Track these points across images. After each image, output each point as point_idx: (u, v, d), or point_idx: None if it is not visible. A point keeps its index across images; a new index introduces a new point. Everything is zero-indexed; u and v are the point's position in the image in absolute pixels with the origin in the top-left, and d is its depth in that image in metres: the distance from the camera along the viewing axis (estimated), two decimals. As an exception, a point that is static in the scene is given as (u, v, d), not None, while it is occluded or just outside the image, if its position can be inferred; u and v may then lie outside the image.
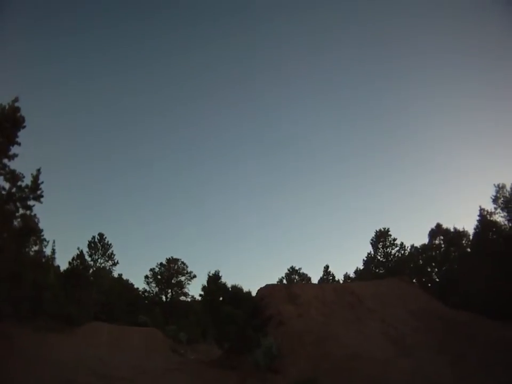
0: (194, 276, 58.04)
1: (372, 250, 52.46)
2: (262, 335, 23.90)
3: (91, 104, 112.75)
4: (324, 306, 28.55)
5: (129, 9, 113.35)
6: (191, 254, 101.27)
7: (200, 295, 35.15)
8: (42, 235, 29.80)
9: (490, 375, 18.39)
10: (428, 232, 47.57)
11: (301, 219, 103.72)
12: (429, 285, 43.47)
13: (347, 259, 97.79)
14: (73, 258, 39.72)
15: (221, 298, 26.82)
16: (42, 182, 25.40)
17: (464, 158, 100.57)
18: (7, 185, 23.97)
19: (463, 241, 44.42)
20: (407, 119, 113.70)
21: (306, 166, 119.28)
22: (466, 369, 19.56)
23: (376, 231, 53.19)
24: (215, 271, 29.13)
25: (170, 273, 57.62)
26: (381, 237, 52.20)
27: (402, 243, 51.53)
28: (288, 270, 60.79)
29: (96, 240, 47.35)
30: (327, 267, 59.47)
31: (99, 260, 46.55)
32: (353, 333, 24.63)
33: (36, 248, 29.72)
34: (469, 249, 41.88)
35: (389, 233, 52.20)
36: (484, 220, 39.02)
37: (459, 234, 44.86)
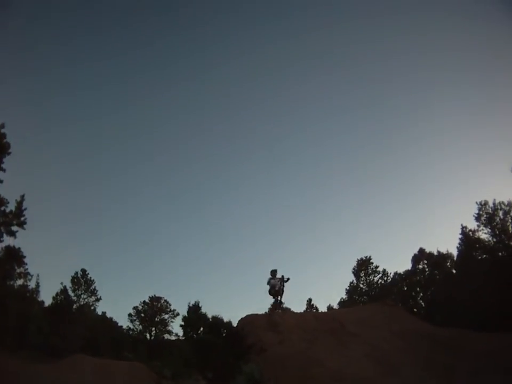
0: (178, 314, 58.78)
1: (354, 279, 52.42)
2: (244, 362, 23.61)
3: (79, 132, 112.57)
4: (305, 333, 28.52)
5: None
6: (175, 292, 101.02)
7: (181, 325, 35.57)
8: (27, 268, 31.34)
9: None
10: (411, 258, 47.83)
11: (282, 253, 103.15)
12: (414, 309, 43.16)
13: (330, 291, 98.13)
14: (57, 294, 42.05)
15: (201, 328, 27.43)
16: (25, 209, 26.38)
17: (443, 180, 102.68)
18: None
19: (448, 263, 44.65)
20: (387, 145, 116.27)
21: (285, 198, 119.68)
22: (454, 381, 19.37)
23: (358, 259, 53.49)
24: (195, 302, 30.04)
25: (153, 311, 58.16)
26: (363, 265, 52.60)
27: (384, 270, 51.84)
28: (271, 304, 60.06)
29: (79, 275, 48.68)
30: (309, 300, 59.04)
31: (82, 295, 48.07)
32: (336, 356, 24.51)
33: (20, 281, 32.22)
34: (454, 270, 42.14)
35: (371, 261, 52.40)
36: (467, 238, 39.50)
37: (443, 257, 45.32)
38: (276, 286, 19.16)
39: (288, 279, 18.78)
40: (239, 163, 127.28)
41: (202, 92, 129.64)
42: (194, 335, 28.13)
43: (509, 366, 18.21)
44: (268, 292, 19.45)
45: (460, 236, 40.36)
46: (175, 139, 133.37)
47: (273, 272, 18.68)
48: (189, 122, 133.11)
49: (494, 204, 38.89)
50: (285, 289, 19.47)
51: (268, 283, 19.80)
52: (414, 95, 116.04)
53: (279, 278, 18.69)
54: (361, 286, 51.48)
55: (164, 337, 57.75)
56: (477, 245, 38.02)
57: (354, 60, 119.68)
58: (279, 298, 18.21)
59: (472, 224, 39.54)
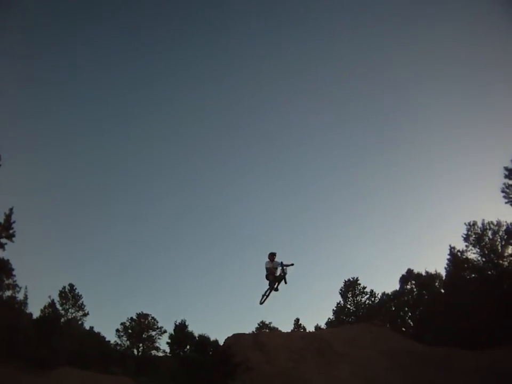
0: (165, 331, 58.23)
1: (341, 300, 52.38)
2: (231, 380, 24.64)
3: (69, 145, 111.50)
4: (292, 353, 28.79)
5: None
6: (162, 309, 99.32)
7: (168, 343, 35.57)
8: (15, 280, 32.42)
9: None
10: (398, 278, 47.87)
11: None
12: (403, 329, 43.11)
13: (318, 311, 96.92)
14: (45, 306, 42.21)
15: (188, 346, 29.42)
16: (14, 222, 26.73)
17: (432, 201, 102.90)
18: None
19: (436, 283, 44.77)
20: (376, 166, 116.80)
21: (270, 223, 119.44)
22: None
23: (345, 280, 53.40)
24: (182, 320, 30.51)
25: (141, 328, 58.44)
26: (350, 286, 52.51)
27: (372, 290, 51.45)
28: (259, 324, 60.28)
29: (66, 290, 49.50)
30: (297, 320, 58.86)
31: (70, 310, 48.84)
32: (324, 376, 24.72)
33: (9, 292, 32.41)
34: (442, 290, 42.23)
35: (358, 281, 52.51)
36: (455, 258, 39.72)
37: (431, 277, 45.39)
38: (276, 271, 18.07)
39: (292, 264, 17.74)
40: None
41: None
42: (181, 353, 28.31)
43: (500, 382, 18.11)
44: (265, 277, 18.67)
45: (448, 257, 40.70)
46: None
47: (272, 255, 17.69)
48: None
49: (483, 224, 39.49)
50: (287, 276, 18.28)
51: (267, 266, 18.99)
52: (400, 114, 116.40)
53: (279, 263, 17.90)
54: (349, 306, 51.48)
55: (151, 353, 57.78)
56: (466, 265, 38.08)
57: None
58: (277, 284, 17.22)
59: (460, 245, 39.75)
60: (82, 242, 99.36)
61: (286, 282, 17.74)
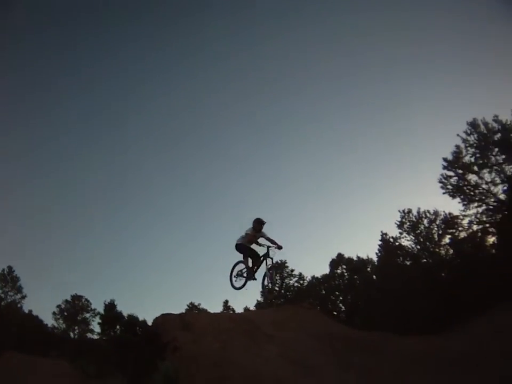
0: (98, 313, 58.50)
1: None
2: (160, 360, 24.55)
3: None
4: (220, 333, 28.52)
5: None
6: (95, 290, 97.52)
7: (99, 323, 36.42)
8: None
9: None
10: (329, 263, 48.52)
11: (198, 255, 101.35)
12: (334, 313, 43.77)
13: (246, 293, 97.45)
14: None
15: (117, 327, 29.63)
16: None
17: (364, 186, 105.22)
18: None
19: (368, 269, 45.53)
20: (312, 150, 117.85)
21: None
22: (374, 382, 19.16)
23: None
24: (111, 300, 31.05)
25: (75, 310, 59.85)
26: (278, 269, 52.75)
27: (301, 273, 51.73)
28: (188, 305, 60.31)
29: (5, 272, 50.79)
30: (226, 302, 59.02)
31: (9, 293, 50.50)
32: (251, 356, 24.59)
33: None
34: (374, 276, 43.07)
35: (286, 264, 53.00)
36: (386, 244, 40.45)
37: (363, 262, 46.08)
38: (258, 246, 13.95)
39: (280, 247, 13.61)
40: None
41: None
42: (112, 333, 30.55)
43: (433, 368, 18.13)
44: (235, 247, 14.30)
45: (380, 242, 41.58)
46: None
47: (259, 225, 12.75)
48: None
49: (418, 212, 40.07)
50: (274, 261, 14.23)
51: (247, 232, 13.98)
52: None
53: (267, 236, 13.24)
54: (277, 289, 50.84)
55: (87, 336, 58.80)
56: (399, 251, 38.89)
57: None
58: (255, 267, 13.57)
59: (394, 232, 40.54)
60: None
61: (271, 286, 13.91)
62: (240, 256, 14.15)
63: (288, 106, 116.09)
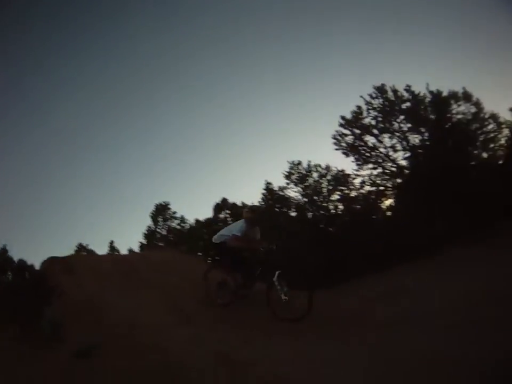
0: None
1: (152, 223, 54.00)
2: (46, 305, 23.23)
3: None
4: (101, 277, 27.97)
5: None
6: None
7: None
8: None
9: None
10: (212, 207, 49.16)
11: (85, 196, 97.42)
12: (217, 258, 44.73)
13: (132, 234, 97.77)
14: None
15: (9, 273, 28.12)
16: None
17: (255, 134, 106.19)
18: None
19: (251, 215, 46.57)
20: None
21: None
22: (252, 334, 19.38)
23: (156, 204, 54.79)
24: (3, 245, 30.93)
25: None
26: (161, 211, 53.82)
27: (182, 216, 53.57)
28: (77, 247, 59.28)
29: None
30: (111, 242, 58.36)
31: None
32: (131, 302, 23.86)
33: None
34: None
35: (169, 206, 54.09)
36: (270, 193, 41.15)
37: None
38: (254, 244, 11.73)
39: (275, 246, 11.89)
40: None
41: None
42: (3, 279, 29.14)
43: (323, 324, 18.67)
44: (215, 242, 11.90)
45: (264, 191, 41.90)
46: None
47: (251, 217, 10.92)
48: None
49: (308, 165, 40.39)
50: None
51: (239, 231, 11.95)
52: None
53: (258, 230, 11.43)
54: (159, 230, 53.06)
55: None
56: (284, 202, 39.37)
57: None
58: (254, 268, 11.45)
59: (281, 182, 40.77)
60: None
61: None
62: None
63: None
